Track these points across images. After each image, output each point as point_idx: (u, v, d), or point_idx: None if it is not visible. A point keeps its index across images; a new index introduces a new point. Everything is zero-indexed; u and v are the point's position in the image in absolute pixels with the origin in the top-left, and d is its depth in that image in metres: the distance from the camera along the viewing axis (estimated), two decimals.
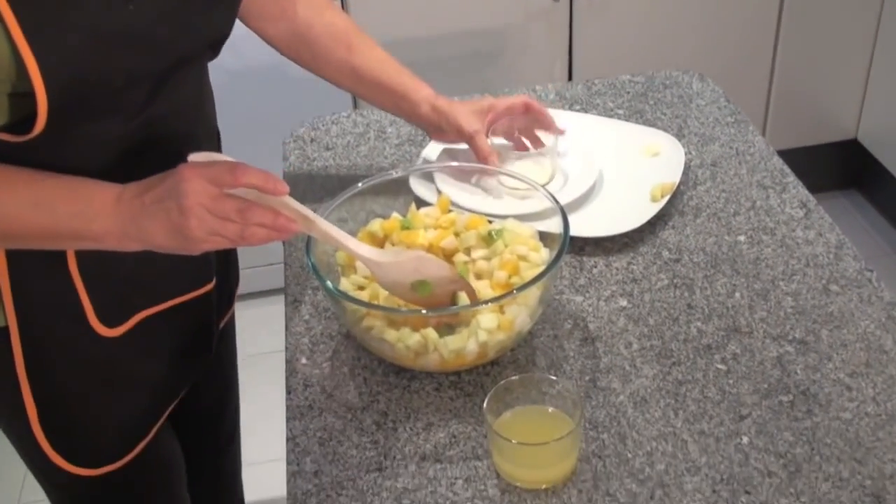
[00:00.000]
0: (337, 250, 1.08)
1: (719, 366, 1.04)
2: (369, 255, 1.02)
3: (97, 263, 1.00)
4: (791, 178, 1.32)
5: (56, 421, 1.06)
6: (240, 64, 2.01)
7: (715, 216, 1.26)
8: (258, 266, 2.42)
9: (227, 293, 1.25)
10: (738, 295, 1.13)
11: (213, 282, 1.14)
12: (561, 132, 1.29)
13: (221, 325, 1.25)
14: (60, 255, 0.98)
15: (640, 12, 2.35)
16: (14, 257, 0.97)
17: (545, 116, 1.27)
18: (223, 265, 1.21)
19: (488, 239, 1.11)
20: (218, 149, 1.19)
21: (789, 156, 1.39)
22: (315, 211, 0.98)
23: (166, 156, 0.98)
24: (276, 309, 1.75)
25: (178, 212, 0.86)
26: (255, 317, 1.32)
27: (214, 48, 1.04)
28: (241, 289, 1.35)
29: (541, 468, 0.92)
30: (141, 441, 1.12)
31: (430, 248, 1.10)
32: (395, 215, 1.15)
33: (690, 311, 1.11)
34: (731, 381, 1.02)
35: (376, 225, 1.12)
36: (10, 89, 0.85)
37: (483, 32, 2.27)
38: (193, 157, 0.90)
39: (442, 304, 1.04)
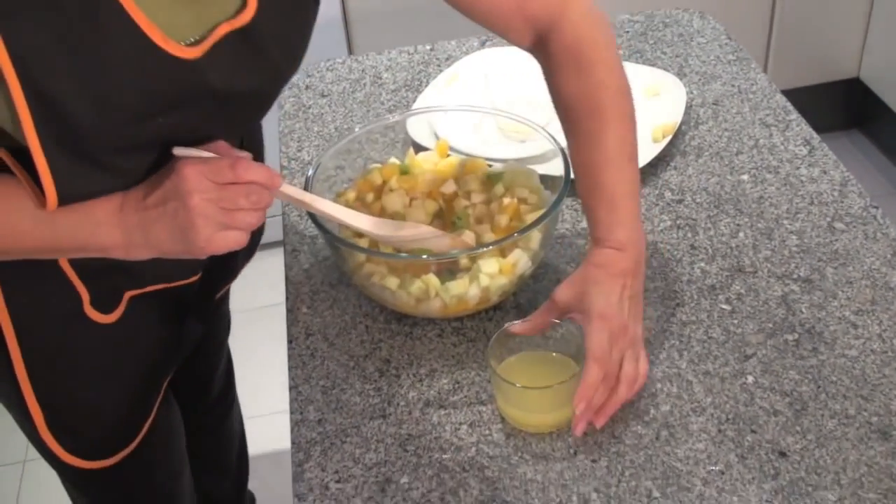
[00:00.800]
0: (336, 199, 1.07)
1: (723, 306, 1.03)
2: (370, 228, 0.99)
3: (87, 259, 0.95)
4: (794, 115, 1.29)
5: (63, 422, 1.04)
6: None
7: (717, 155, 1.24)
8: None
9: (230, 268, 1.20)
10: (741, 234, 1.12)
11: (200, 274, 1.09)
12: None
13: (219, 295, 1.23)
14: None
15: None
16: (2, 261, 0.92)
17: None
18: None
19: (488, 182, 1.10)
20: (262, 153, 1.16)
21: (790, 95, 1.37)
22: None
23: None
24: (273, 262, 1.73)
25: (183, 212, 0.80)
26: (251, 270, 1.32)
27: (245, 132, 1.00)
28: None
29: (545, 412, 0.91)
30: (146, 420, 1.10)
31: (429, 194, 1.09)
32: (393, 160, 1.13)
33: (694, 251, 1.10)
34: (735, 321, 1.01)
35: (375, 172, 1.10)
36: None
37: None
38: (179, 151, 0.83)
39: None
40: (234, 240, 0.83)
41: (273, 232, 1.28)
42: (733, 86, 1.36)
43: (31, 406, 1.01)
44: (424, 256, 1.00)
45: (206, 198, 0.80)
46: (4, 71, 0.71)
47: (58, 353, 1.00)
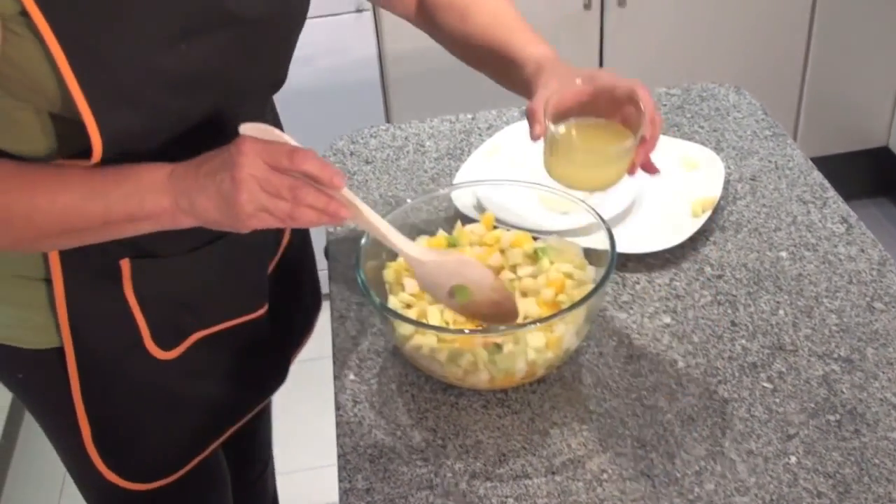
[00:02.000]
0: (386, 267, 1.10)
1: (765, 384, 1.04)
2: (414, 253, 1.00)
3: (152, 285, 1.01)
4: (831, 192, 1.32)
5: (110, 439, 1.07)
6: None
7: (756, 231, 1.26)
8: None
9: (303, 320, 1.24)
10: (781, 312, 1.13)
11: (266, 307, 1.15)
12: (656, 171, 1.07)
13: (297, 353, 1.27)
14: (116, 278, 0.99)
15: (669, 20, 2.36)
16: (70, 280, 0.98)
17: (648, 106, 1.00)
18: (300, 288, 1.22)
19: (534, 257, 1.12)
20: None
21: (820, 162, 1.39)
22: (357, 225, 0.99)
23: None
24: None
25: (230, 183, 0.83)
26: None
27: (275, 85, 1.03)
28: None
29: (595, 167, 1.00)
30: (196, 457, 1.13)
31: None
32: (441, 233, 1.16)
33: (734, 328, 1.12)
34: (777, 400, 1.02)
35: (422, 243, 1.13)
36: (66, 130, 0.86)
37: None
38: (245, 127, 0.87)
39: (480, 311, 1.03)
40: (268, 222, 0.86)
41: None
42: (770, 161, 1.39)
43: (80, 418, 1.05)
44: (466, 331, 1.02)
45: (254, 175, 0.83)
46: (35, 17, 0.77)
47: (113, 377, 1.04)
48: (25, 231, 0.89)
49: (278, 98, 1.17)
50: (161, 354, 1.04)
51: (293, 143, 0.88)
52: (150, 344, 1.03)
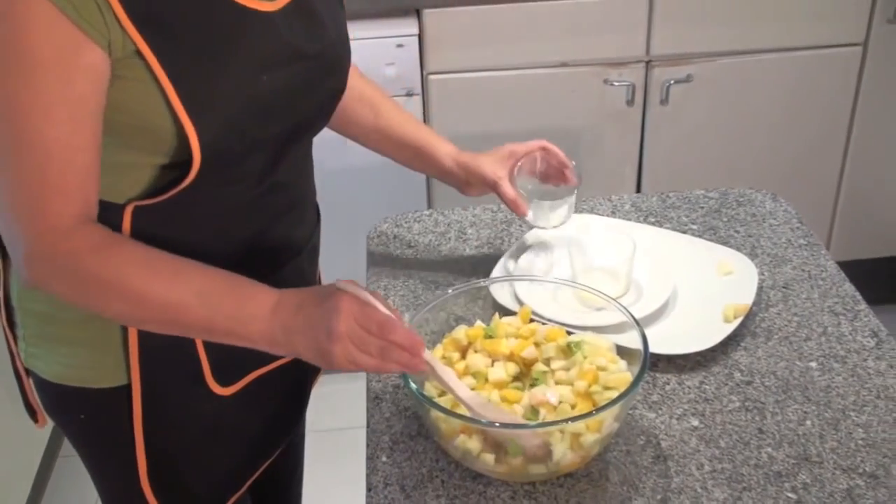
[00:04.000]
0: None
1: (790, 494, 1.06)
2: (474, 405, 1.05)
3: None
4: (862, 305, 1.34)
5: (163, 474, 1.13)
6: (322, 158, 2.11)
7: (787, 340, 1.29)
8: None
9: None
10: (808, 423, 1.15)
11: None
12: (575, 183, 1.34)
13: (312, 388, 1.34)
14: None
15: (709, 122, 2.41)
16: None
17: (559, 157, 1.33)
18: None
19: (567, 351, 1.15)
20: (318, 223, 1.29)
21: (852, 266, 1.42)
22: (403, 314, 1.04)
23: (281, 225, 1.11)
24: (330, 390, 1.80)
25: (326, 337, 0.95)
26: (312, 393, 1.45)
27: (328, 115, 1.14)
28: None
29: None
30: (233, 495, 1.19)
31: (510, 357, 1.14)
32: (479, 323, 1.19)
33: (761, 435, 1.14)
34: None
35: (461, 332, 1.17)
36: (166, 160, 0.96)
37: (558, 131, 2.35)
38: (341, 284, 0.99)
39: (526, 460, 1.05)
40: (354, 367, 0.97)
41: None
42: (804, 270, 1.42)
43: (139, 454, 1.11)
44: (497, 425, 1.04)
45: (348, 334, 0.95)
46: (147, 56, 0.90)
47: (174, 412, 1.11)
48: (133, 309, 0.97)
49: (332, 173, 1.28)
50: (220, 391, 1.11)
51: (379, 304, 0.99)
52: (210, 381, 1.10)
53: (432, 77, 2.29)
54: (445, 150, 1.33)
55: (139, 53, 0.90)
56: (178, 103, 0.92)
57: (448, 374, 1.05)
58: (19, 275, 0.97)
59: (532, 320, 1.22)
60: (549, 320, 1.23)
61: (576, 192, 1.35)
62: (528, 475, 1.05)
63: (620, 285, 1.35)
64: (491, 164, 1.30)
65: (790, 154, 2.48)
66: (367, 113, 1.33)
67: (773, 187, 1.63)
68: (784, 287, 1.39)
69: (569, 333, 1.19)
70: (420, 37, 2.24)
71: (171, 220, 1.01)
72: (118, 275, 0.95)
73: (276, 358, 1.17)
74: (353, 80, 1.30)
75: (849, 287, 1.38)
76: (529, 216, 1.35)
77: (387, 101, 1.35)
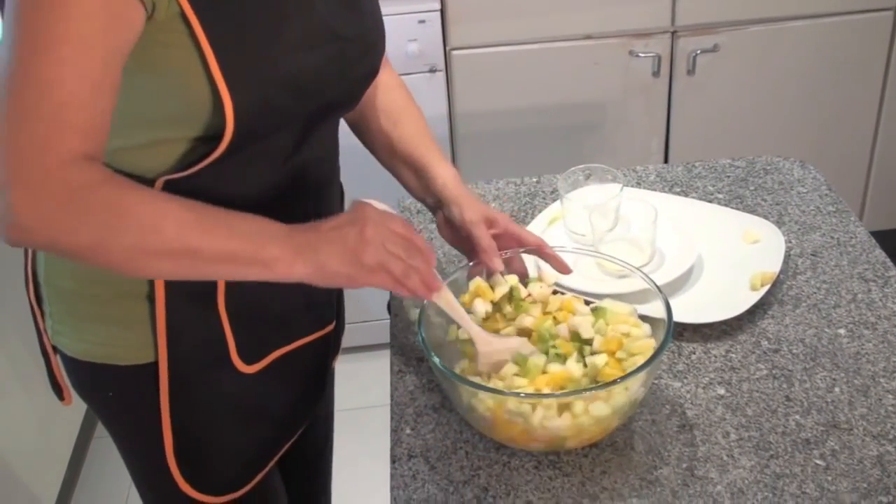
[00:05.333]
0: (449, 330, 1.13)
1: (818, 461, 1.05)
2: (480, 335, 1.09)
3: (243, 305, 1.08)
4: (893, 271, 1.32)
5: (189, 451, 1.13)
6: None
7: (815, 307, 1.27)
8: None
9: (338, 336, 1.34)
10: (837, 390, 1.14)
11: (334, 323, 1.25)
12: (569, 271, 1.21)
13: (334, 364, 1.35)
14: (212, 297, 1.06)
15: (736, 91, 2.38)
16: (171, 296, 1.05)
17: (557, 260, 1.20)
18: (338, 309, 1.30)
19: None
20: (342, 201, 1.29)
21: (887, 236, 1.40)
22: None
23: (307, 203, 1.11)
24: (355, 367, 1.80)
25: (356, 237, 0.97)
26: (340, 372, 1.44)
27: (358, 97, 1.13)
28: None
29: None
30: (259, 472, 1.20)
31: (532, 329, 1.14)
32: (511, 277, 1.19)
33: (789, 403, 1.12)
34: (829, 478, 1.03)
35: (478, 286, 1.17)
36: (199, 132, 0.96)
37: (584, 105, 2.32)
38: (363, 199, 1.02)
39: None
40: (382, 281, 0.99)
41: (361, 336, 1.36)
42: (832, 237, 1.40)
43: (165, 430, 1.12)
44: (522, 394, 1.04)
45: (378, 233, 0.97)
46: (191, 19, 0.90)
47: (200, 390, 1.11)
48: (148, 238, 0.91)
49: (356, 150, 1.28)
50: (244, 368, 1.12)
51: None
52: (235, 358, 1.11)
53: (455, 53, 2.27)
54: (440, 171, 1.23)
55: (183, 16, 0.91)
56: (217, 71, 0.92)
57: (454, 302, 1.09)
58: (4, 224, 0.89)
59: (555, 292, 1.21)
60: (572, 290, 1.22)
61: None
62: (554, 444, 1.04)
63: (645, 254, 1.34)
64: (474, 205, 1.20)
65: (820, 123, 2.44)
66: (389, 123, 1.27)
67: (803, 157, 1.61)
68: (812, 254, 1.37)
69: (587, 303, 1.18)
70: (442, 12, 2.22)
71: (199, 197, 1.00)
72: (134, 201, 0.91)
73: (298, 336, 1.17)
74: (394, 93, 1.28)
75: (879, 253, 1.36)
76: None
77: (410, 114, 1.28)
